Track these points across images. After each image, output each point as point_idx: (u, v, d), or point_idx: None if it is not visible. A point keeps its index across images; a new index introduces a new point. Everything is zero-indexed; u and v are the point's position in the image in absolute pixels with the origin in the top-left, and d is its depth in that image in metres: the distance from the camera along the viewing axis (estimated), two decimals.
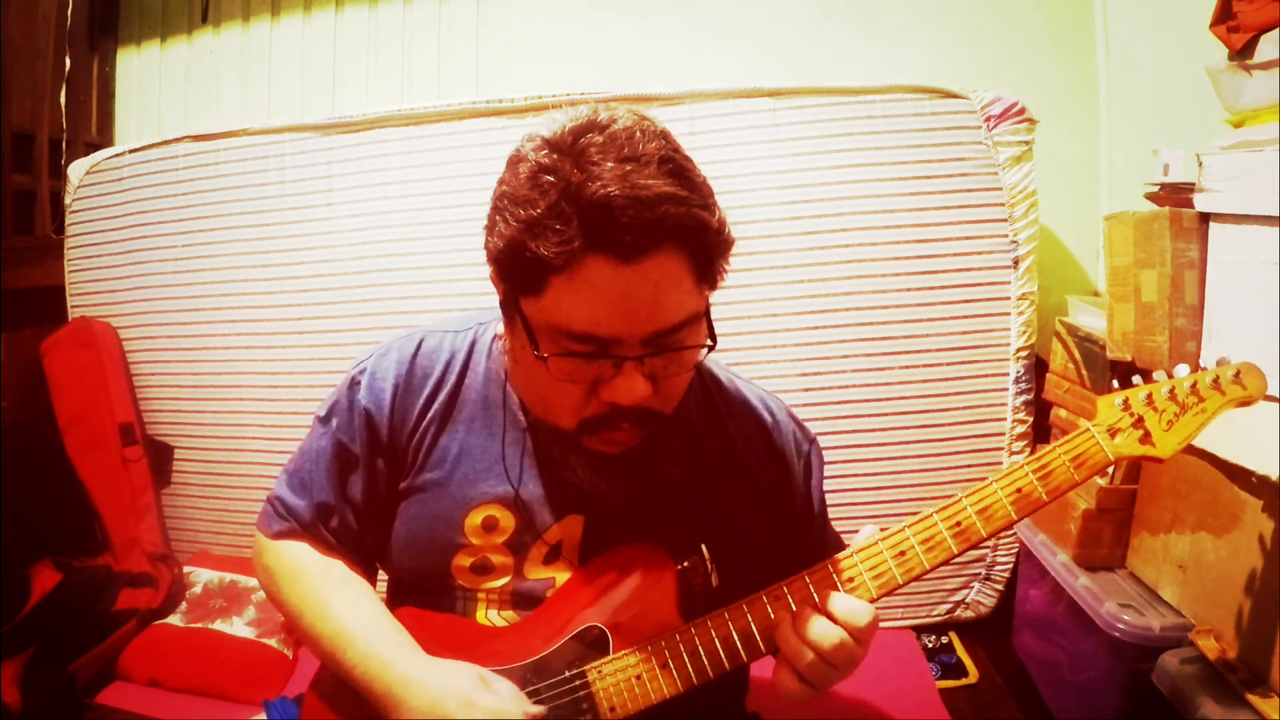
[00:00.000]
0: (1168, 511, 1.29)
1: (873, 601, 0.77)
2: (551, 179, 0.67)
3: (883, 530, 0.79)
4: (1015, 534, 1.72)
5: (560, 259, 0.66)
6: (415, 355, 0.88)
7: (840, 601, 0.75)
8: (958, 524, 0.77)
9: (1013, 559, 1.79)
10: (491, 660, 0.81)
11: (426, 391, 0.87)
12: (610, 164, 0.66)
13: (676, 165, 0.69)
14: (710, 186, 0.73)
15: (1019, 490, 0.77)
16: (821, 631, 0.73)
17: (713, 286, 0.75)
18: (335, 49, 2.25)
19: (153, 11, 2.34)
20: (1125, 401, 0.80)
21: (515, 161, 0.72)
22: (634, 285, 0.67)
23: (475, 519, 0.85)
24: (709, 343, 0.76)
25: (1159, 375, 0.82)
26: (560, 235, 0.66)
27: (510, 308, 0.75)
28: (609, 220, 0.65)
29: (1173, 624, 1.22)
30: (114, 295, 2.05)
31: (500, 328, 0.90)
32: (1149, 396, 0.80)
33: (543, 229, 0.67)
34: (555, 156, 0.68)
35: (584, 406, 0.75)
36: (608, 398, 0.73)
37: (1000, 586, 1.81)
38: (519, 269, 0.70)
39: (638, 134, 0.68)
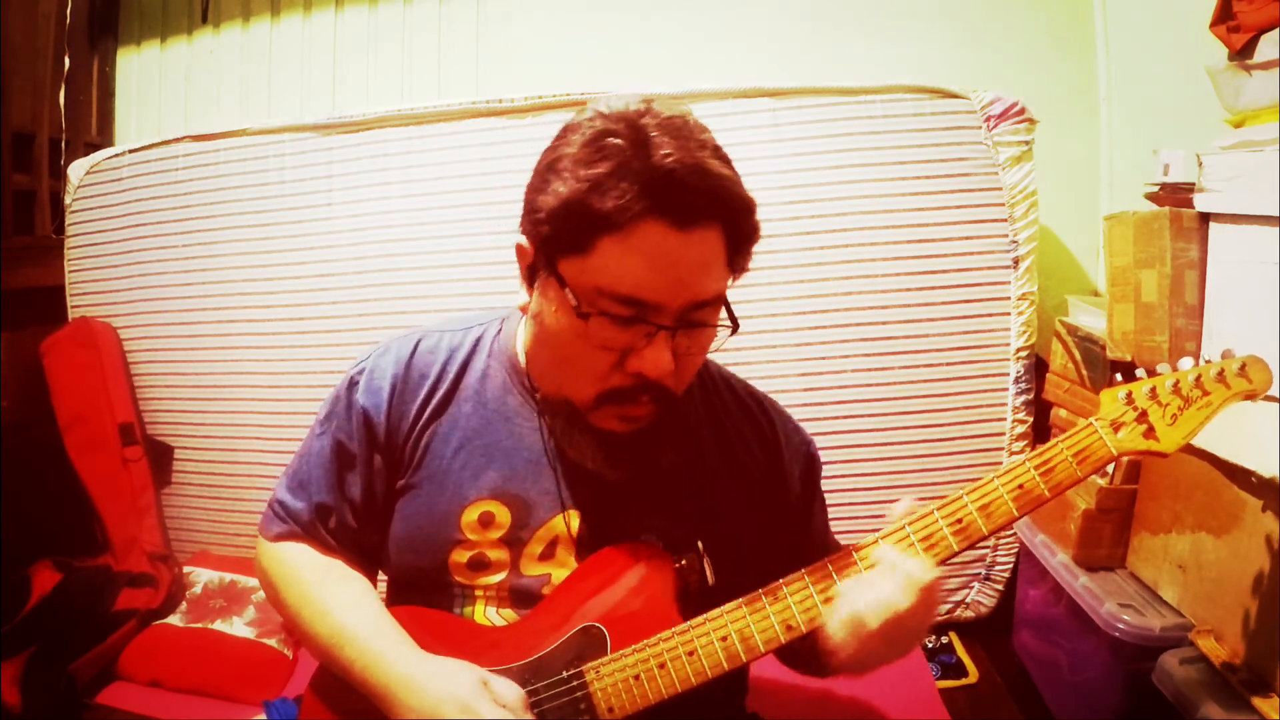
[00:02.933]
0: (1168, 511, 1.29)
1: None
2: (619, 142, 0.70)
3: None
4: (1015, 534, 1.72)
5: (621, 216, 0.69)
6: (413, 354, 0.89)
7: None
8: (959, 521, 0.77)
9: (1013, 559, 1.79)
10: (489, 660, 0.80)
11: (424, 390, 0.88)
12: (669, 139, 0.70)
13: (724, 155, 0.75)
14: None
15: (1021, 486, 0.77)
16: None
17: (736, 274, 0.78)
18: (335, 49, 2.25)
19: (153, 11, 2.34)
20: (1129, 395, 0.80)
21: (571, 129, 0.75)
22: (683, 252, 0.71)
23: (471, 515, 0.85)
24: (730, 325, 0.78)
25: (1163, 368, 0.81)
26: (623, 194, 0.69)
27: (546, 271, 0.76)
28: (675, 185, 0.68)
29: (1173, 624, 1.22)
30: (114, 295, 2.05)
31: (499, 327, 0.92)
32: (1153, 390, 0.79)
33: (606, 188, 0.69)
34: (620, 124, 0.71)
35: (608, 376, 0.76)
36: (635, 368, 0.75)
37: (1000, 586, 1.81)
38: (571, 226, 0.72)
39: (691, 123, 0.74)
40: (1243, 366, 0.80)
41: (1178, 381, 0.79)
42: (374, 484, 0.89)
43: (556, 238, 0.73)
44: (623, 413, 0.79)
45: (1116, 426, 0.79)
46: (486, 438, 0.87)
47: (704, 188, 0.69)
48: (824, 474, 0.99)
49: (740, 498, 0.90)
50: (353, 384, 0.89)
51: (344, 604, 0.85)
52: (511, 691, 0.77)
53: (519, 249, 0.80)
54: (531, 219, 0.76)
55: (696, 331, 0.76)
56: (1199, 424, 0.79)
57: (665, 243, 0.70)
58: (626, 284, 0.71)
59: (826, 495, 1.00)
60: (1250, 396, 0.80)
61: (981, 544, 1.77)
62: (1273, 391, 0.83)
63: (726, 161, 0.74)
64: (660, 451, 0.86)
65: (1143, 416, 0.79)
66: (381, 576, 0.95)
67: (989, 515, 0.76)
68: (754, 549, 0.89)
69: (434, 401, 0.88)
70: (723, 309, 0.78)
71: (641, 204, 0.68)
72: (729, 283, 0.77)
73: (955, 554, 0.77)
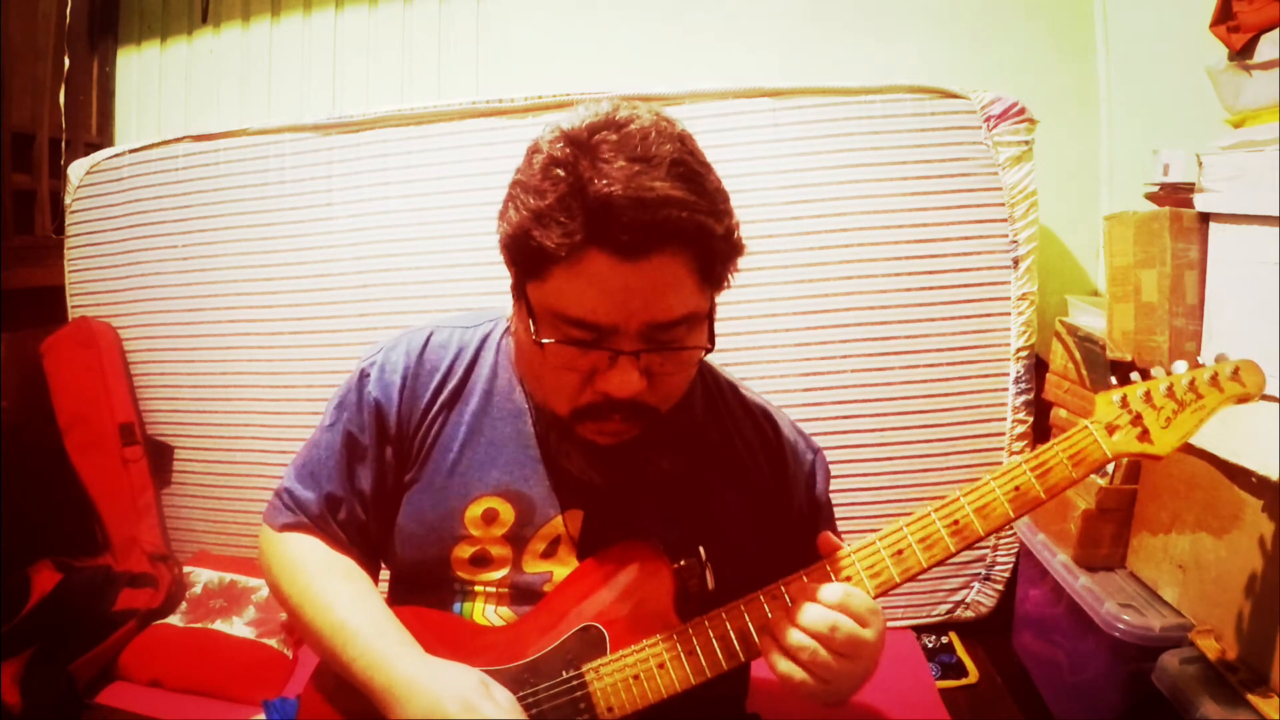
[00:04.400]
0: (1168, 511, 1.29)
1: None
2: (562, 172, 0.69)
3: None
4: (1015, 534, 1.72)
5: (562, 250, 0.68)
6: (424, 348, 0.90)
7: (831, 589, 0.73)
8: (955, 522, 0.77)
9: (1013, 559, 1.79)
10: (488, 660, 0.81)
11: (434, 384, 0.89)
12: (620, 163, 0.67)
13: (688, 169, 0.69)
14: (725, 193, 0.74)
15: (1017, 488, 0.77)
16: (817, 617, 0.72)
17: (717, 289, 0.76)
18: (335, 49, 2.25)
19: (153, 11, 2.34)
20: (1123, 399, 0.80)
21: (532, 152, 0.74)
22: (633, 281, 0.69)
23: (476, 510, 0.86)
24: (707, 345, 0.77)
25: (1157, 372, 0.82)
26: (564, 228, 0.68)
27: (517, 292, 0.78)
28: (610, 218, 0.67)
29: (1173, 624, 1.22)
30: (114, 295, 2.05)
31: (507, 325, 0.92)
32: (1147, 394, 0.80)
33: (548, 220, 0.69)
34: (570, 150, 0.70)
35: (579, 394, 0.76)
36: (601, 389, 0.74)
37: (1000, 586, 1.81)
38: (524, 255, 0.72)
39: (653, 134, 0.70)
40: (1236, 370, 0.80)
41: (1172, 385, 0.80)
42: (384, 476, 0.89)
43: (517, 263, 0.75)
44: (598, 429, 0.78)
45: (1111, 429, 0.79)
46: (492, 434, 0.87)
47: (645, 220, 0.66)
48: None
49: (743, 504, 0.90)
50: (364, 376, 0.90)
51: (346, 601, 0.84)
52: (506, 696, 0.77)
53: (506, 264, 0.80)
54: (500, 243, 0.77)
55: (669, 351, 0.74)
56: (1193, 427, 0.79)
57: (613, 273, 0.68)
58: (577, 309, 0.71)
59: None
60: (1244, 400, 0.81)
61: (980, 544, 1.78)
62: (1271, 391, 0.83)
63: (690, 178, 0.69)
64: (656, 459, 0.85)
65: (1137, 419, 0.79)
66: (383, 574, 0.95)
67: (985, 516, 0.77)
68: (755, 554, 0.88)
69: (443, 395, 0.88)
70: (705, 326, 0.76)
71: (581, 236, 0.67)
72: (711, 297, 0.76)
73: (952, 555, 0.77)
